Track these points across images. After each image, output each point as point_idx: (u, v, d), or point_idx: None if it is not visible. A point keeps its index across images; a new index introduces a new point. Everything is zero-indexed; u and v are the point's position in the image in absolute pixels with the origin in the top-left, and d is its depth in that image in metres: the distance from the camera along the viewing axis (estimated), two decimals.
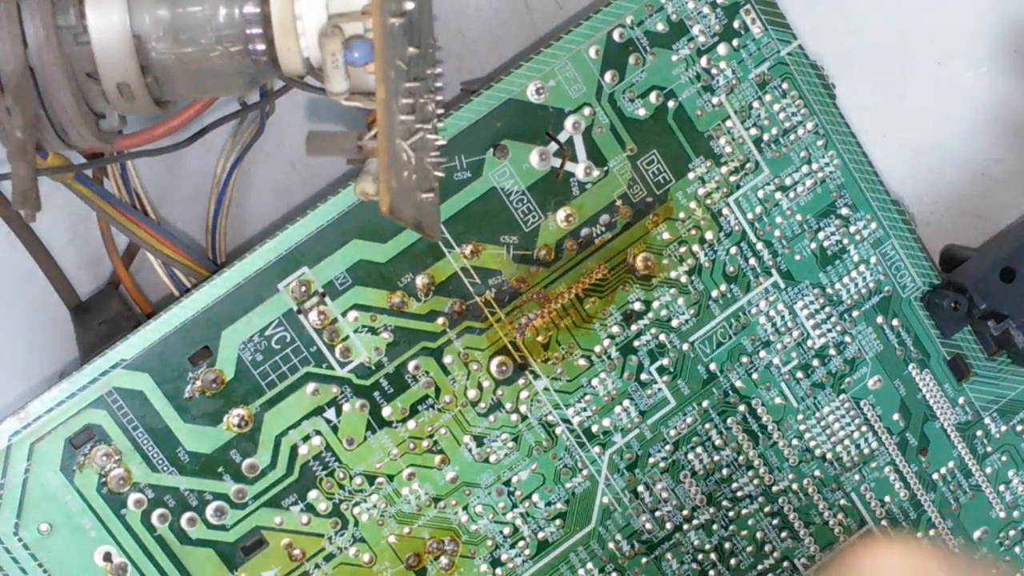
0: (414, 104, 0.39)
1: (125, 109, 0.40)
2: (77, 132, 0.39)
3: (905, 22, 0.52)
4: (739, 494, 0.50)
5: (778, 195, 0.49)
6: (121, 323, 0.46)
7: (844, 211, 0.49)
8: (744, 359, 0.49)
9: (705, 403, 0.49)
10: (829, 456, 0.50)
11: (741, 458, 0.50)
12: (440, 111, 0.42)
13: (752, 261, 0.49)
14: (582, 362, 0.48)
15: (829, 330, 0.50)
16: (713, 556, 0.50)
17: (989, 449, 0.52)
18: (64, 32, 0.38)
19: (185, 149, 0.45)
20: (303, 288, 0.45)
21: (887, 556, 0.41)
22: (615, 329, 0.48)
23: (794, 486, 0.50)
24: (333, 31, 0.38)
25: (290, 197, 0.49)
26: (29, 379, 0.48)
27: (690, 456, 0.49)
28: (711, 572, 0.50)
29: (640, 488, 0.49)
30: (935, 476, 0.51)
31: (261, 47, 0.39)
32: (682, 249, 0.48)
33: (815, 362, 0.50)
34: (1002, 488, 0.52)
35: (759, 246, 0.49)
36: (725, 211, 0.48)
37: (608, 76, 0.47)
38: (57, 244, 0.48)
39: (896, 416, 0.51)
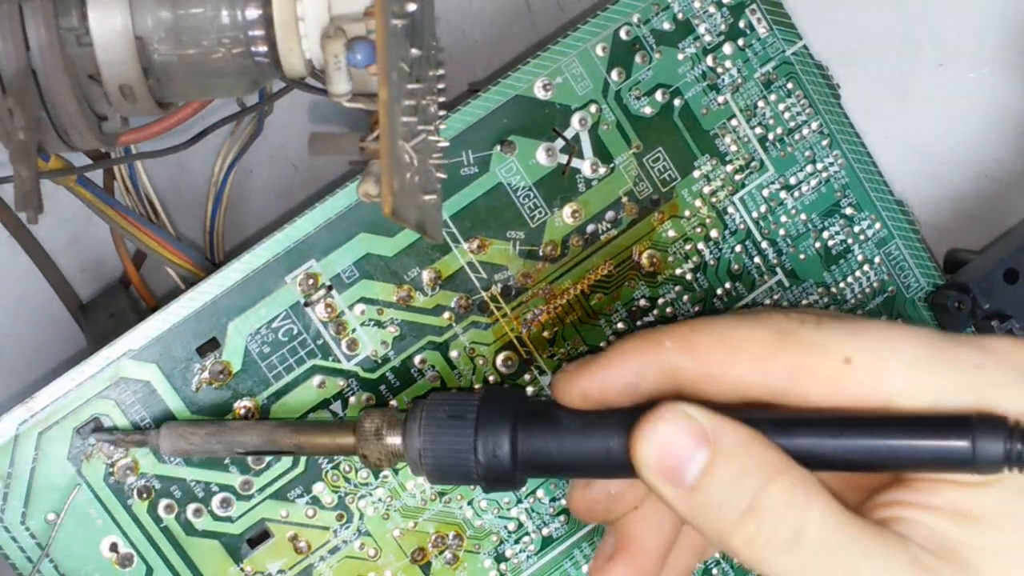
0: (416, 106, 0.39)
1: (127, 111, 0.40)
2: (79, 134, 0.39)
3: (908, 24, 0.52)
4: None
5: (783, 194, 0.49)
6: (129, 317, 0.47)
7: (848, 211, 0.50)
8: None
9: None
10: None
11: None
12: (442, 113, 0.42)
13: (757, 259, 0.49)
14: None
15: None
16: (717, 554, 0.50)
17: None
18: (66, 34, 0.38)
19: (189, 151, 0.46)
20: (310, 281, 0.45)
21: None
22: (620, 325, 0.48)
23: None
24: (336, 32, 0.38)
25: (292, 199, 0.50)
26: (34, 377, 0.49)
27: None
28: (714, 570, 0.50)
29: None
30: None
31: (263, 49, 0.39)
32: (687, 246, 0.48)
33: None
34: None
35: (764, 244, 0.49)
36: (730, 209, 0.49)
37: (615, 74, 0.47)
38: (59, 246, 0.48)
39: None
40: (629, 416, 0.39)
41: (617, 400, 0.40)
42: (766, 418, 0.39)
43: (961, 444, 0.37)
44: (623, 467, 0.39)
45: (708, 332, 0.40)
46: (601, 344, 0.48)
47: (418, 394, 0.47)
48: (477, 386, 0.47)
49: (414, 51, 0.39)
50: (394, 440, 0.43)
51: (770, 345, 0.39)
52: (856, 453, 0.38)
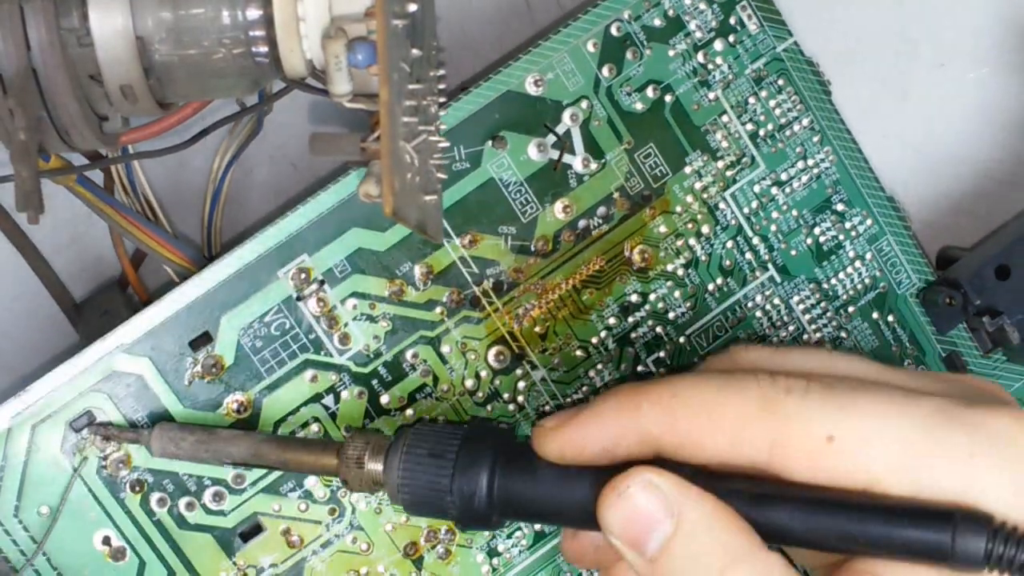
0: (417, 106, 0.39)
1: (128, 111, 0.40)
2: (80, 134, 0.39)
3: (907, 23, 0.52)
4: None
5: (774, 190, 0.49)
6: (123, 314, 0.47)
7: (840, 207, 0.50)
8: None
9: None
10: None
11: None
12: (443, 113, 0.42)
13: (748, 255, 0.49)
14: (579, 353, 0.48)
15: (825, 325, 0.50)
16: None
17: None
18: (67, 34, 0.38)
19: (189, 150, 0.46)
20: (303, 275, 0.46)
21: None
22: (612, 320, 0.48)
23: None
24: (336, 33, 0.38)
25: (292, 199, 0.50)
26: (27, 372, 0.49)
27: None
28: None
29: None
30: None
31: (264, 49, 0.39)
32: (679, 242, 0.49)
33: None
34: None
35: (755, 240, 0.49)
36: (722, 205, 0.49)
37: (606, 70, 0.47)
38: (59, 246, 0.48)
39: None
40: (605, 475, 0.39)
41: (593, 461, 0.40)
42: (742, 489, 0.39)
43: (941, 538, 0.36)
44: (596, 521, 0.40)
45: (687, 398, 0.39)
46: (592, 339, 0.48)
47: (410, 389, 0.47)
48: (468, 381, 0.47)
49: (415, 51, 0.39)
50: (375, 468, 0.43)
51: (750, 417, 0.38)
52: (831, 535, 0.38)
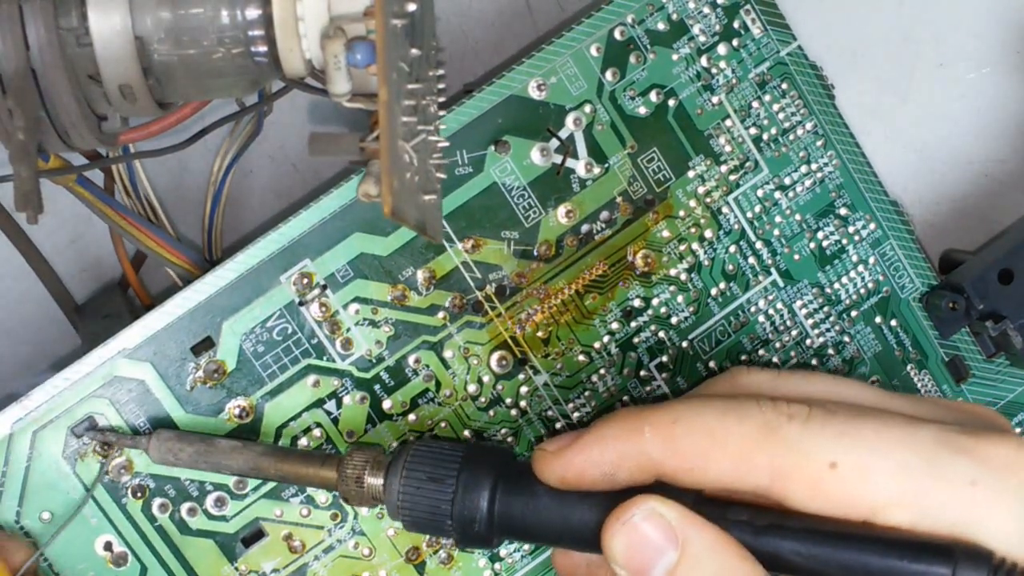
0: (416, 106, 0.39)
1: (127, 111, 0.40)
2: (79, 134, 0.39)
3: (909, 24, 0.52)
4: None
5: (777, 194, 0.49)
6: (124, 317, 0.47)
7: (843, 211, 0.50)
8: (743, 357, 0.49)
9: None
10: None
11: None
12: (442, 113, 0.42)
13: (751, 260, 0.49)
14: (582, 358, 0.48)
15: (828, 329, 0.50)
16: None
17: None
18: (66, 34, 0.38)
19: (190, 151, 0.46)
20: (305, 280, 0.45)
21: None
22: (615, 325, 0.48)
23: None
24: (335, 32, 0.38)
25: (292, 199, 0.50)
26: (29, 376, 0.48)
27: None
28: None
29: None
30: None
31: (263, 48, 0.39)
32: (682, 247, 0.48)
33: (814, 361, 0.50)
34: None
35: (758, 245, 0.49)
36: (724, 209, 0.49)
37: (609, 74, 0.47)
38: (59, 246, 0.48)
39: None
40: (606, 500, 0.40)
41: (594, 486, 0.40)
42: (744, 519, 0.39)
43: (941, 572, 0.36)
44: (597, 545, 0.40)
45: (688, 423, 0.39)
46: (595, 344, 0.48)
47: (412, 394, 0.47)
48: (471, 386, 0.47)
49: (414, 51, 0.39)
50: (374, 484, 0.43)
51: (752, 443, 0.38)
52: (832, 567, 0.38)
